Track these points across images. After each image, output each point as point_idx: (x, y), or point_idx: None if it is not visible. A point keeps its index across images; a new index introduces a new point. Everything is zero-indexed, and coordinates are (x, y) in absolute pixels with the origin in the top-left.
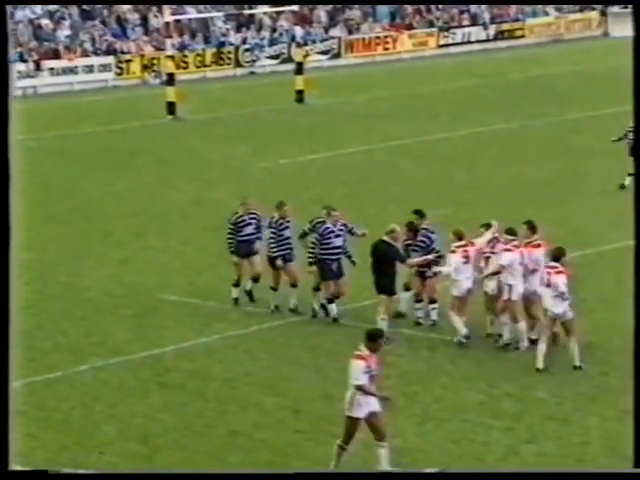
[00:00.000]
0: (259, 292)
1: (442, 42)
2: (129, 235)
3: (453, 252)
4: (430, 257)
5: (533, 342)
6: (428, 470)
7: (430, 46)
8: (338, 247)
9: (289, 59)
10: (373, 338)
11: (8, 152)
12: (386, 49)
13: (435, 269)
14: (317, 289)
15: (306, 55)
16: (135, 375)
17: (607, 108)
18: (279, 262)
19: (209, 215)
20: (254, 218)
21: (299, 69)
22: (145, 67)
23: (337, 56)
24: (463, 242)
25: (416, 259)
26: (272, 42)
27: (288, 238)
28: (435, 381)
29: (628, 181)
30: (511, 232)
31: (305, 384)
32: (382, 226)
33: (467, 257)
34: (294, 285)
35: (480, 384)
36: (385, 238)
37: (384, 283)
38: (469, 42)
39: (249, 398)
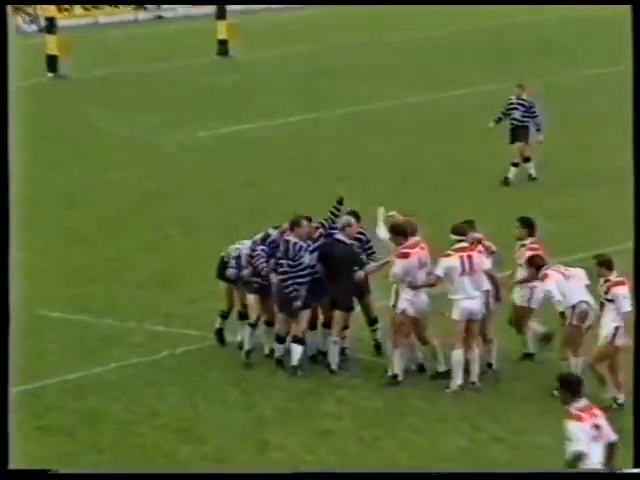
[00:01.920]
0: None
1: None
2: None
3: (405, 256)
4: (390, 259)
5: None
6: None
7: None
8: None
9: None
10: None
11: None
12: None
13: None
14: (270, 324)
15: None
16: None
17: (611, 65)
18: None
19: (105, 204)
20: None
21: (221, 12)
22: (16, 9)
23: None
24: (413, 241)
25: (373, 264)
26: None
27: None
28: (402, 422)
29: (512, 174)
30: (459, 231)
31: (231, 428)
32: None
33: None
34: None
35: (461, 426)
36: (340, 236)
37: (340, 295)
38: None
39: (158, 446)
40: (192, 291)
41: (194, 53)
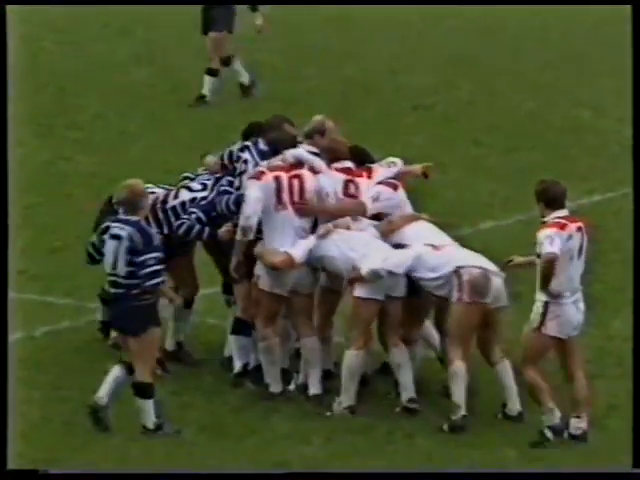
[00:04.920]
0: None
1: None
2: None
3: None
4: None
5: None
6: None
7: None
8: None
9: None
10: None
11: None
12: None
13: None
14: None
15: None
16: None
17: None
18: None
19: None
20: None
21: None
22: None
23: None
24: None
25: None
26: None
27: None
28: None
29: (208, 87)
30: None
31: None
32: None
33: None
34: None
35: None
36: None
37: None
38: None
39: None
40: (52, 233)
41: None
